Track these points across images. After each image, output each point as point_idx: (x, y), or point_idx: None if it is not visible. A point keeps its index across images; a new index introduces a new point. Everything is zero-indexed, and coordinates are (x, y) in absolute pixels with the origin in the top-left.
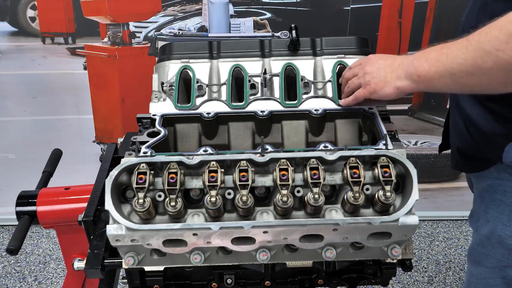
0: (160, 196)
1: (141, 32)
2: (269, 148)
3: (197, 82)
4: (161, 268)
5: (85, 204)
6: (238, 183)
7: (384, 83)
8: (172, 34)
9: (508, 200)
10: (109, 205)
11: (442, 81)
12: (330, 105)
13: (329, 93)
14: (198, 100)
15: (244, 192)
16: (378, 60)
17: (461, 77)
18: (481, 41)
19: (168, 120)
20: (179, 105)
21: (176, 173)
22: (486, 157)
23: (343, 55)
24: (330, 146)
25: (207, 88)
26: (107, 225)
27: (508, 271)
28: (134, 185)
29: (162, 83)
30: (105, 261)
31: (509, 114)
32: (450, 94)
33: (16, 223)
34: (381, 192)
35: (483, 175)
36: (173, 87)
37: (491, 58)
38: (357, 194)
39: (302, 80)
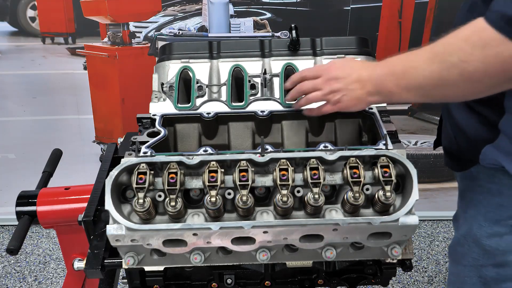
0: (160, 196)
1: (141, 32)
2: (269, 148)
3: (197, 83)
4: (161, 268)
5: (85, 204)
6: (238, 183)
7: (356, 100)
8: (172, 34)
9: (485, 201)
10: (109, 205)
11: (411, 94)
12: None
13: None
14: (198, 101)
15: (244, 192)
16: (341, 74)
17: (429, 89)
18: (446, 53)
19: (168, 120)
20: (179, 105)
21: (176, 173)
22: (466, 157)
23: (343, 55)
24: (330, 146)
25: (207, 89)
26: (107, 225)
27: (484, 270)
28: (134, 185)
29: (162, 84)
30: (105, 261)
31: (489, 116)
32: None
33: (16, 223)
34: (381, 192)
35: (466, 174)
36: (173, 88)
37: (457, 70)
38: (357, 194)
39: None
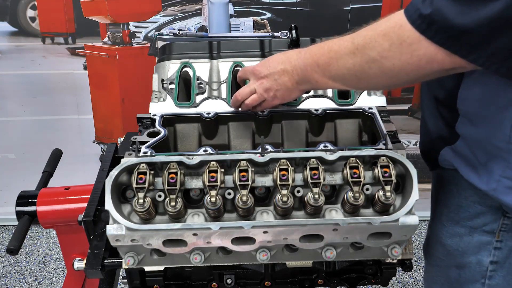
0: (160, 196)
1: (141, 32)
2: (269, 148)
3: (197, 80)
4: (161, 268)
5: (85, 204)
6: (238, 183)
7: (289, 91)
8: (172, 34)
9: (447, 201)
10: (109, 205)
11: (337, 84)
12: (330, 104)
13: (329, 93)
14: (198, 98)
15: (244, 192)
16: (267, 71)
17: (353, 80)
18: (366, 47)
19: (168, 120)
20: (179, 102)
21: (176, 173)
22: (432, 157)
23: None
24: (330, 146)
25: (207, 86)
26: (107, 225)
27: (448, 271)
28: (134, 185)
29: (163, 80)
30: (105, 261)
31: (449, 119)
32: (420, 95)
33: (16, 223)
34: (381, 192)
35: (434, 175)
36: (174, 84)
37: (376, 65)
38: (357, 194)
39: None
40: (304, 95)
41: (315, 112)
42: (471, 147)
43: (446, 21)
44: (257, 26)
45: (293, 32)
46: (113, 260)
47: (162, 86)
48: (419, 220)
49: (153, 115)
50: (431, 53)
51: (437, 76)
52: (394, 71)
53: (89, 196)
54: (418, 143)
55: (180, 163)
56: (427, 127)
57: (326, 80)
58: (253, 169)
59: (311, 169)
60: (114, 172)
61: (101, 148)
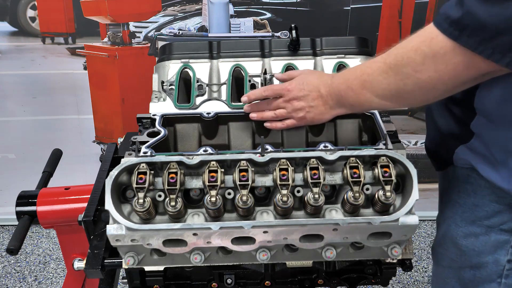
0: (160, 196)
1: (141, 32)
2: (269, 148)
3: (197, 82)
4: (161, 268)
5: (85, 204)
6: (238, 183)
7: (321, 115)
8: (172, 34)
9: (461, 200)
10: (109, 205)
11: (373, 105)
12: None
13: None
14: (198, 100)
15: (244, 192)
16: (301, 94)
17: (388, 100)
18: (399, 65)
19: (168, 120)
20: (179, 104)
21: (176, 173)
22: (443, 157)
23: (343, 55)
24: (330, 146)
25: (207, 88)
26: (107, 225)
27: (462, 272)
28: (134, 185)
29: (162, 82)
30: (105, 261)
31: (463, 117)
32: None
33: (16, 223)
34: (381, 192)
35: (444, 174)
36: (173, 86)
37: (411, 80)
38: (357, 194)
39: None
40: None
41: None
42: (487, 146)
43: (477, 22)
44: (257, 26)
45: (293, 32)
46: (113, 260)
47: (162, 88)
48: (419, 220)
49: (153, 115)
50: (467, 59)
51: (475, 82)
52: (431, 84)
53: (89, 196)
54: (417, 143)
55: (180, 163)
56: (436, 126)
57: (360, 104)
58: (253, 169)
59: (311, 169)
60: (114, 172)
61: (101, 148)
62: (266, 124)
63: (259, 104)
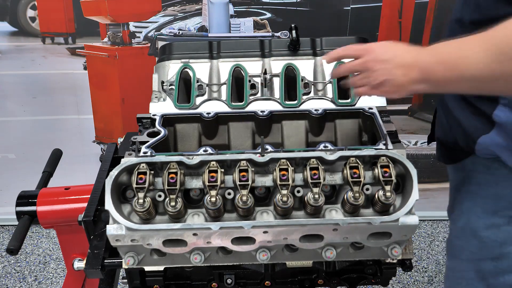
0: (160, 196)
1: (141, 32)
2: (269, 148)
3: (197, 82)
4: (161, 268)
5: (85, 204)
6: (238, 183)
7: (397, 88)
8: (172, 34)
9: (482, 192)
10: (109, 205)
11: (462, 86)
12: (330, 106)
13: (329, 94)
14: (198, 100)
15: (244, 192)
16: (384, 56)
17: (483, 82)
18: (500, 45)
19: (168, 120)
20: (179, 104)
21: (176, 173)
22: (462, 149)
23: None
24: (330, 146)
25: (207, 88)
26: (107, 225)
27: (481, 264)
28: (134, 185)
29: (163, 82)
30: (105, 261)
31: (483, 107)
32: None
33: (16, 223)
34: (381, 192)
35: (459, 167)
36: (173, 86)
37: None
38: (357, 194)
39: (302, 80)
40: (304, 97)
41: (315, 112)
42: (510, 134)
43: None
44: (257, 26)
45: (293, 32)
46: (113, 260)
47: (162, 88)
48: (419, 220)
49: (153, 115)
50: None
51: None
52: None
53: (89, 196)
54: (417, 143)
55: (180, 163)
56: (454, 118)
57: (449, 81)
58: (253, 169)
59: (311, 169)
60: (114, 172)
61: (101, 148)
62: (342, 83)
63: (348, 67)
